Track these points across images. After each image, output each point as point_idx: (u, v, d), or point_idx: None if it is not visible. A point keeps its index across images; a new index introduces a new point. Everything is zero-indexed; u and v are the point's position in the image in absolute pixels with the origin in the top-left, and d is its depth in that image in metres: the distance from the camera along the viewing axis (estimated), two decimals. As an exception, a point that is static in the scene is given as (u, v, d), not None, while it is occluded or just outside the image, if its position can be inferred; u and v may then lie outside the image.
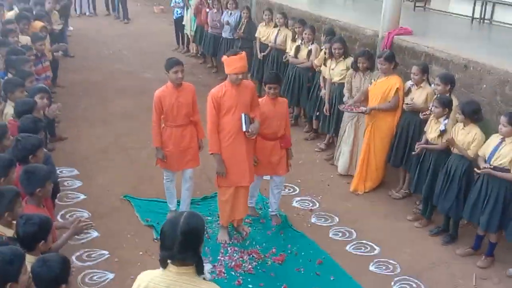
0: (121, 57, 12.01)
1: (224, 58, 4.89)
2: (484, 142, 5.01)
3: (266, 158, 5.39)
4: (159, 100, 5.15)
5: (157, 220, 5.53)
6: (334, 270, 4.90)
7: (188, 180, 5.50)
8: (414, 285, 4.78)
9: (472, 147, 5.04)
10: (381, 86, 6.11)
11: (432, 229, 5.63)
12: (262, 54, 9.15)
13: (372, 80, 6.29)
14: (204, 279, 2.49)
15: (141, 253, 5.08)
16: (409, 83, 6.22)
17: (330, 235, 5.54)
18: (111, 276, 4.74)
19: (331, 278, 4.79)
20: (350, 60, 6.88)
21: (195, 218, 2.50)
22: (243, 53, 4.88)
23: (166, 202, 5.70)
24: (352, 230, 5.62)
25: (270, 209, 5.72)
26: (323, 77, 7.27)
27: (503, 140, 4.76)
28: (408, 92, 6.07)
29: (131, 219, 5.66)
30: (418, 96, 5.99)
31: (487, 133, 5.17)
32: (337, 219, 5.83)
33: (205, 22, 10.78)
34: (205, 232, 2.50)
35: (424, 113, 5.69)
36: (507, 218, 4.78)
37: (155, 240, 5.21)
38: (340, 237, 5.49)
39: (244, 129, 4.91)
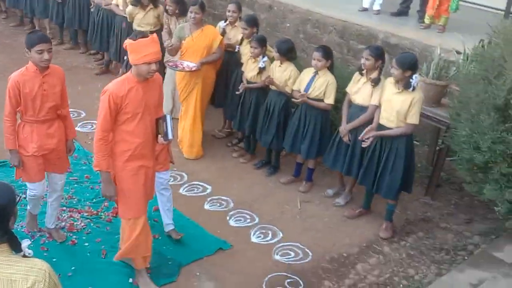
0: None
1: (129, 42, 3.54)
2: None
3: None
4: (16, 87, 3.90)
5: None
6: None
7: (56, 189, 4.34)
8: (248, 216, 5.05)
9: (289, 83, 5.36)
10: (201, 39, 5.76)
11: (256, 163, 5.96)
12: None
13: (187, 35, 5.83)
14: (25, 255, 2.19)
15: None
16: (222, 23, 6.30)
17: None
18: None
19: (170, 223, 4.78)
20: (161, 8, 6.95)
21: None
22: (155, 36, 3.62)
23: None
24: (183, 173, 5.65)
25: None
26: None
27: (316, 73, 5.14)
28: (223, 33, 6.14)
29: None
30: (233, 35, 6.12)
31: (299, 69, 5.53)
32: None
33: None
34: (13, 204, 2.14)
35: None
36: (324, 144, 5.26)
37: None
38: (172, 181, 5.47)
39: (169, 137, 3.81)
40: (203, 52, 5.76)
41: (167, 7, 6.62)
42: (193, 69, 5.70)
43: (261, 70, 5.55)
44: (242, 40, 5.99)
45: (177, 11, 6.55)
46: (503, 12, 7.37)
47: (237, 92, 5.82)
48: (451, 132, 4.79)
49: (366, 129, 4.73)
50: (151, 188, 3.96)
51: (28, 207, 4.44)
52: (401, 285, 4.25)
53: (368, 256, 4.62)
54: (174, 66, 5.83)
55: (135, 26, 6.96)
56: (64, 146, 4.26)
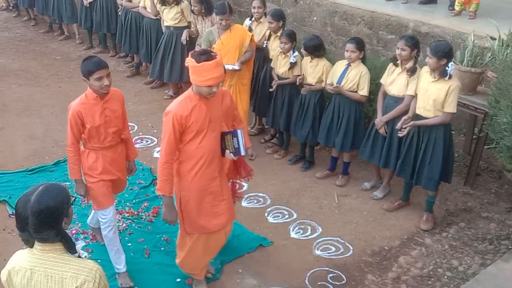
0: None
1: (191, 62, 3.34)
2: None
3: None
4: (78, 116, 3.68)
5: (8, 194, 4.97)
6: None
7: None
8: (286, 212, 5.04)
9: (323, 78, 5.33)
10: (231, 41, 5.61)
11: (291, 158, 5.95)
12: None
13: (216, 38, 5.67)
14: (79, 257, 2.24)
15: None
16: (247, 21, 6.31)
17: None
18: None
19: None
20: (184, 4, 7.00)
21: (48, 195, 2.16)
22: (219, 57, 3.40)
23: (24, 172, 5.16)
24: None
25: None
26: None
27: (348, 65, 5.10)
28: (249, 30, 6.14)
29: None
30: (260, 32, 6.14)
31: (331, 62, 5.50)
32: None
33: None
34: (67, 205, 2.17)
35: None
36: (359, 137, 5.23)
37: (11, 216, 4.70)
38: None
39: (242, 152, 3.63)
40: (235, 53, 5.60)
41: (192, 8, 6.67)
42: (236, 68, 5.53)
43: (293, 65, 5.53)
44: (269, 35, 5.98)
45: (203, 11, 6.60)
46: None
47: (270, 90, 5.81)
48: (490, 120, 4.70)
49: (404, 117, 4.68)
50: (219, 205, 3.74)
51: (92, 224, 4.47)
52: (446, 277, 4.19)
53: (410, 248, 4.57)
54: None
55: (162, 23, 7.13)
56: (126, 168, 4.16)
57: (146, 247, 4.45)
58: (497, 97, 4.48)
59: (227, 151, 3.63)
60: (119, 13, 8.18)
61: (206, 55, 3.35)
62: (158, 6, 7.16)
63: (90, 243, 4.50)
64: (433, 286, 4.11)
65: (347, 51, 5.03)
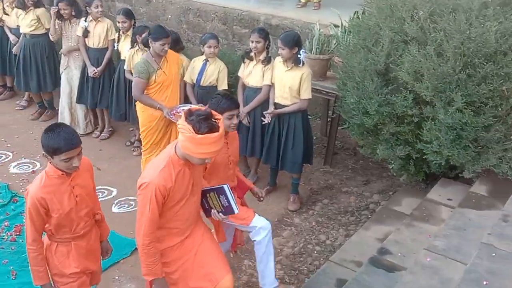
0: None
1: (188, 132, 2.71)
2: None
3: None
4: (41, 205, 2.84)
5: None
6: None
7: None
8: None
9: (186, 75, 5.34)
10: (172, 68, 4.93)
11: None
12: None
13: (156, 68, 4.84)
14: None
15: None
16: (82, 22, 6.07)
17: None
18: None
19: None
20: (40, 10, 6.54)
21: None
22: (221, 129, 2.79)
23: None
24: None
25: None
26: None
27: (206, 61, 5.18)
28: (85, 30, 6.01)
29: None
30: (101, 32, 6.06)
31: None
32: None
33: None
34: None
35: None
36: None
37: None
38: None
39: (235, 211, 3.16)
40: (177, 82, 5.05)
41: (61, 11, 6.16)
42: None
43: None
44: (119, 36, 5.88)
45: (73, 13, 6.18)
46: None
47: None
48: (340, 102, 5.09)
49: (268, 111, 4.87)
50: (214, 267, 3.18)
51: None
52: (315, 251, 4.47)
53: (281, 230, 4.79)
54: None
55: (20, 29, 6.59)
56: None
57: (11, 268, 4.15)
58: (344, 80, 4.85)
59: (214, 211, 3.18)
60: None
61: (209, 125, 2.74)
62: (15, 10, 6.61)
63: None
64: (305, 262, 4.36)
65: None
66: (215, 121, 2.78)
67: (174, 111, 4.85)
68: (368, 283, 3.55)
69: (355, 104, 4.59)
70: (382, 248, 3.89)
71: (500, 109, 4.01)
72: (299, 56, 4.67)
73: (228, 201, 3.12)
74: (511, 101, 3.97)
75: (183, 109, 4.43)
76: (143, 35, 5.14)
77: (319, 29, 5.68)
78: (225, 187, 3.10)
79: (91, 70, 6.05)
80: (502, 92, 3.94)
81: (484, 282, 3.07)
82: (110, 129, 6.50)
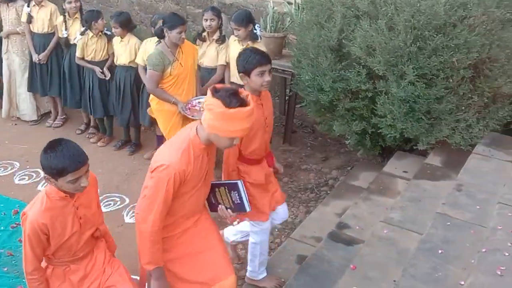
0: None
1: (216, 106, 2.45)
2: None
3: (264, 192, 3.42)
4: (41, 231, 2.58)
5: None
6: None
7: None
8: (118, 199, 4.93)
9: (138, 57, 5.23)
10: (188, 59, 4.62)
11: (116, 143, 5.80)
12: None
13: (172, 60, 4.52)
14: None
15: None
16: (26, 8, 5.87)
17: (16, 182, 5.15)
18: None
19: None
20: None
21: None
22: (252, 104, 2.54)
23: None
24: (38, 169, 5.31)
25: None
26: None
27: (159, 42, 5.04)
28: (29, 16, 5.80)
29: None
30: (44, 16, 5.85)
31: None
32: (18, 164, 5.42)
33: None
34: None
35: None
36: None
37: None
38: (27, 180, 5.14)
39: (247, 208, 2.90)
40: (193, 75, 4.70)
41: None
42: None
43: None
44: (65, 19, 5.69)
45: None
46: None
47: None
48: (296, 80, 5.07)
49: None
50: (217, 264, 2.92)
51: None
52: (276, 229, 4.47)
53: (242, 210, 4.79)
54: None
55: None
56: None
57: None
58: (298, 57, 4.83)
59: (222, 207, 2.92)
60: None
61: (239, 99, 2.49)
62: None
63: None
64: (267, 241, 4.37)
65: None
66: (243, 95, 2.56)
67: (190, 105, 4.51)
68: (327, 257, 3.59)
69: (310, 81, 4.58)
70: (340, 223, 3.93)
71: (451, 80, 4.07)
72: (255, 31, 4.63)
73: (241, 198, 2.86)
74: (461, 72, 4.03)
75: (199, 102, 4.46)
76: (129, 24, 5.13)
77: (273, 7, 5.63)
78: (239, 183, 2.85)
79: (35, 58, 5.86)
80: (452, 63, 3.99)
81: (439, 251, 3.13)
82: (64, 116, 6.33)
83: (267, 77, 2.95)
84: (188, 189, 2.65)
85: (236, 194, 2.86)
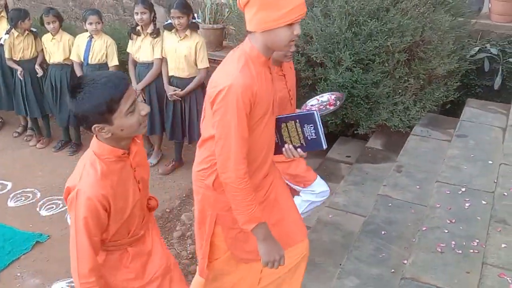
0: None
1: None
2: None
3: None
4: (103, 206, 1.93)
5: None
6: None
7: None
8: (60, 202, 4.76)
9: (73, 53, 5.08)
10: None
11: (55, 144, 5.62)
12: None
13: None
14: None
15: None
16: None
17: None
18: None
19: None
20: None
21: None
22: None
23: None
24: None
25: None
26: None
27: (91, 38, 4.93)
28: None
29: None
30: None
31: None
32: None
33: None
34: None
35: None
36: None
37: None
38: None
39: (324, 145, 2.32)
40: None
41: None
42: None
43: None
44: None
45: None
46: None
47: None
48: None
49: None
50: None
51: None
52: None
53: (190, 204, 4.73)
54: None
55: None
56: None
57: None
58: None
59: (289, 147, 2.36)
60: None
61: None
62: None
63: None
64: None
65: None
66: None
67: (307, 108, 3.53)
68: (275, 246, 3.60)
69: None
70: (287, 211, 3.95)
71: (387, 64, 4.15)
72: (193, 20, 4.55)
73: (317, 132, 2.28)
74: (396, 56, 4.12)
75: (312, 104, 3.51)
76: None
77: (211, -2, 5.59)
78: (315, 113, 2.28)
79: None
80: (387, 47, 4.07)
81: (382, 232, 3.20)
82: (0, 120, 6.07)
83: (292, 47, 2.43)
84: (260, 115, 2.11)
85: (312, 128, 2.30)
